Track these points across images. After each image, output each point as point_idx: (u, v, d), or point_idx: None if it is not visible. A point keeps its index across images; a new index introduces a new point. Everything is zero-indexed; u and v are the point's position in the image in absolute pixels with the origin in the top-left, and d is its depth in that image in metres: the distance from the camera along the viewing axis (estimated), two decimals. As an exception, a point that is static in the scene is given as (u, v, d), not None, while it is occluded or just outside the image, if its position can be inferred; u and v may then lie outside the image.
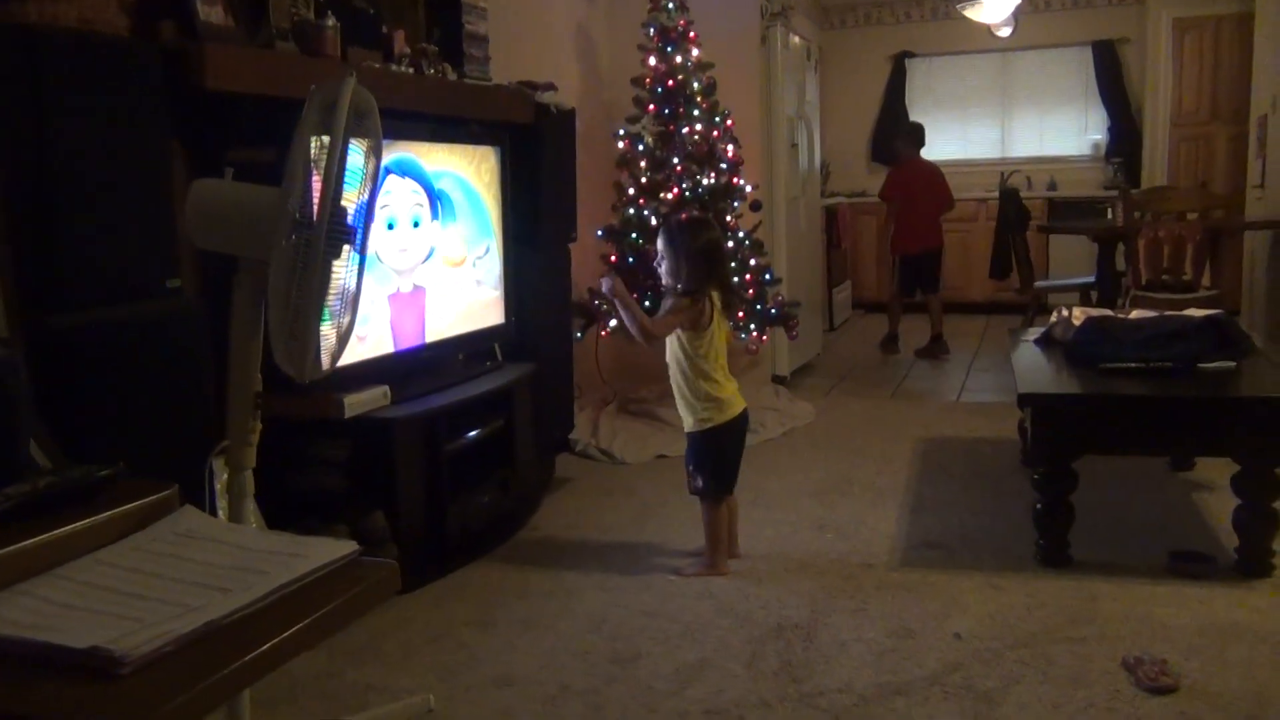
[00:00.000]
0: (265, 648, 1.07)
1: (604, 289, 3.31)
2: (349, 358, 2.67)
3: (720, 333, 3.19)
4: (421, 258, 3.29)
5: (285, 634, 1.09)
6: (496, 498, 3.46)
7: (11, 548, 1.20)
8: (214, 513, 2.29)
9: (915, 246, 6.98)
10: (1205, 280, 5.68)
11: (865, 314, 8.91)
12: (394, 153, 3.08)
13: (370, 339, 3.05)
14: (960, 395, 5.75)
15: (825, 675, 2.54)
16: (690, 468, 3.23)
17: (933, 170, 7.14)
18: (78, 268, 2.16)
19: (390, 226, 3.11)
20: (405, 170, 3.17)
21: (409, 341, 3.25)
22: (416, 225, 3.25)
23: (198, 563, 1.23)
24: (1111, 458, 3.82)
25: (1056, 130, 9.24)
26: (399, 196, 3.15)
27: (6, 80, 2.09)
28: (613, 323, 4.76)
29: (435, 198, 3.33)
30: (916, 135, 7.20)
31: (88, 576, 1.18)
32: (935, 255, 7.07)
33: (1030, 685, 2.46)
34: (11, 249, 1.73)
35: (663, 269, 3.20)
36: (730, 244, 4.81)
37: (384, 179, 3.02)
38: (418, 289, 3.27)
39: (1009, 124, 9.38)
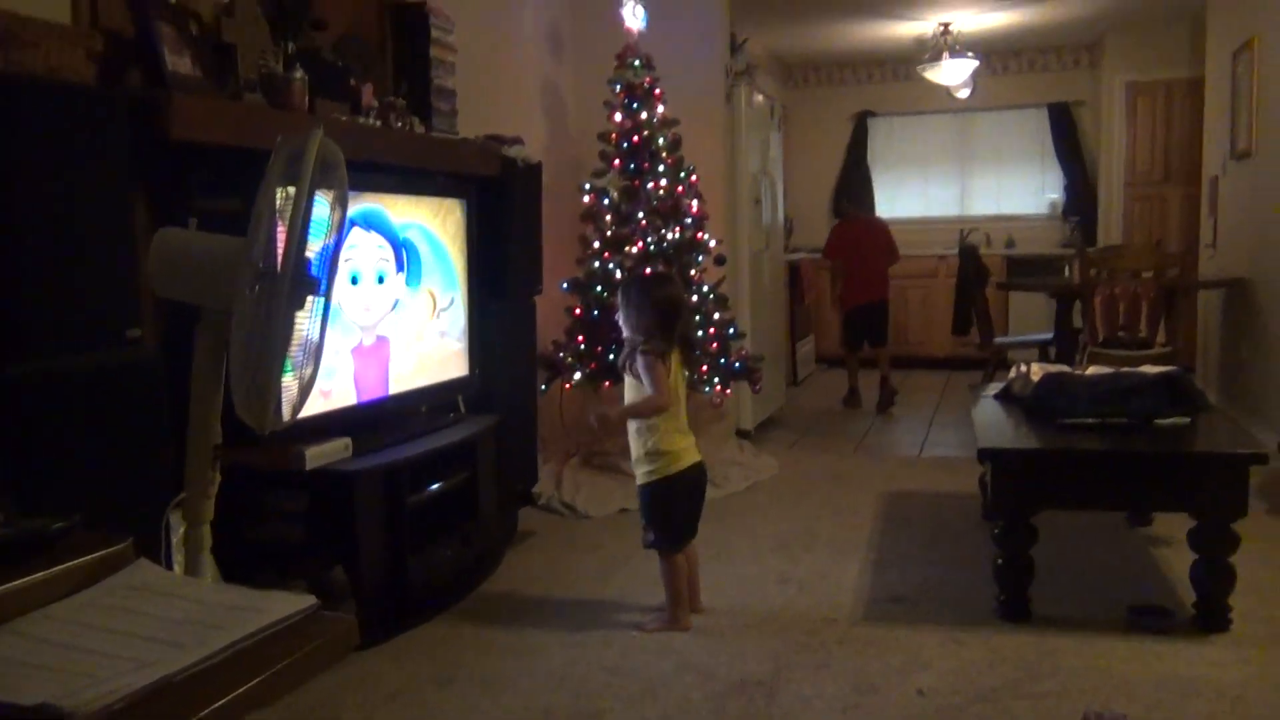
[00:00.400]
0: (219, 704, 1.04)
1: (595, 424, 3.32)
2: (311, 409, 2.66)
3: (679, 386, 3.20)
4: (385, 312, 3.29)
5: (240, 690, 1.07)
6: (458, 551, 3.43)
7: (-40, 602, 1.17)
8: (170, 566, 2.25)
9: (860, 299, 7.11)
10: (1160, 337, 5.79)
11: (828, 368, 8.96)
12: (361, 205, 3.09)
13: (333, 391, 3.03)
14: (922, 450, 5.79)
15: (788, 732, 2.52)
16: (643, 521, 3.22)
17: (876, 225, 7.33)
18: (36, 316, 2.14)
19: (354, 281, 3.11)
20: (371, 224, 3.18)
21: (372, 393, 3.23)
22: (381, 281, 3.25)
23: (152, 617, 1.20)
24: (1071, 513, 3.85)
25: (1014, 189, 9.44)
26: (364, 251, 3.15)
27: (-32, 127, 2.08)
28: (577, 376, 4.77)
29: (401, 250, 3.33)
30: (860, 195, 7.39)
31: (38, 631, 1.16)
32: (881, 308, 7.19)
33: (993, 741, 2.45)
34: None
35: (621, 320, 3.22)
36: (694, 298, 4.84)
37: (349, 232, 3.03)
38: (381, 340, 3.27)
39: (968, 182, 9.56)
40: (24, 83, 2.13)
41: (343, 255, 2.97)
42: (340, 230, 1.93)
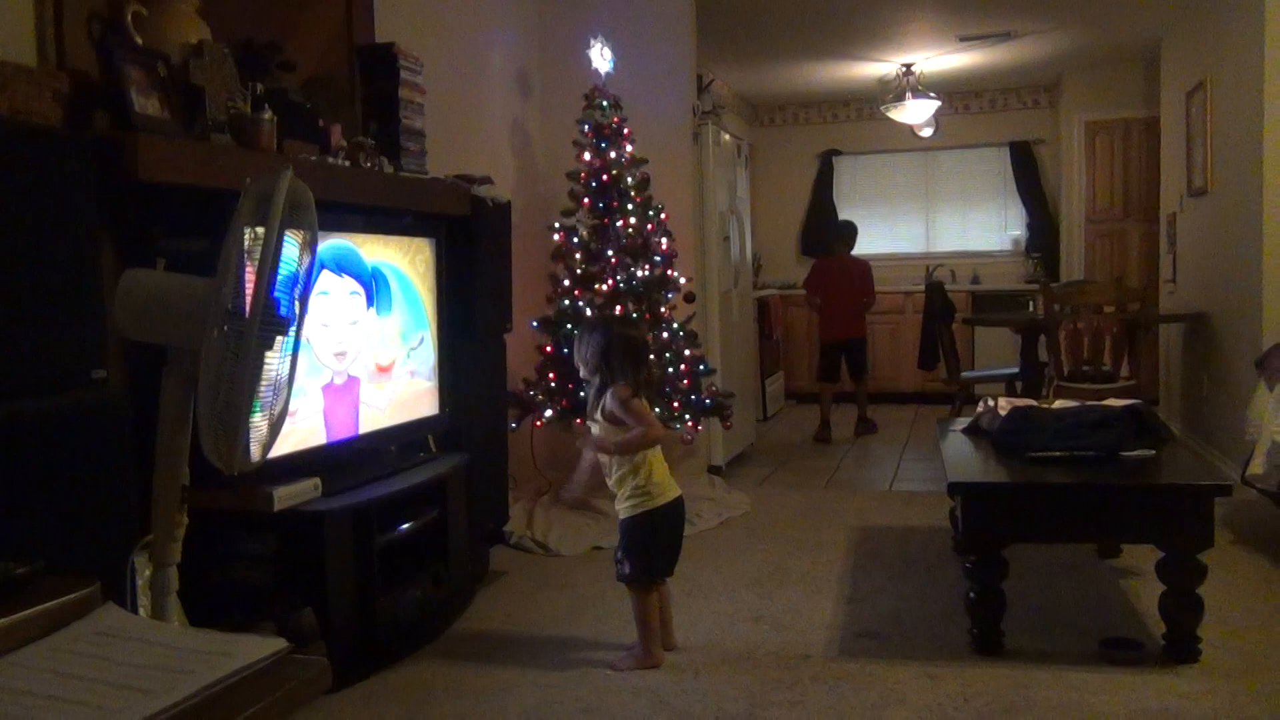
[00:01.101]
0: (188, 751, 1.03)
1: (591, 454, 3.31)
2: (279, 449, 2.63)
3: None
4: (357, 353, 3.27)
5: (209, 736, 1.05)
6: (429, 591, 3.40)
7: (-80, 650, 1.15)
8: (135, 609, 2.21)
9: (837, 334, 7.40)
10: (1124, 371, 5.87)
11: (798, 404, 9.01)
12: (333, 246, 3.08)
13: (303, 430, 3.01)
14: (892, 484, 5.82)
15: (764, 770, 2.50)
16: (619, 554, 3.21)
17: (856, 266, 7.50)
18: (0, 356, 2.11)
19: (325, 325, 3.09)
20: (343, 266, 3.17)
21: (342, 432, 3.21)
22: (354, 325, 3.24)
23: (119, 663, 1.18)
24: (1041, 546, 3.88)
25: (978, 226, 9.57)
26: (336, 295, 3.15)
27: (-68, 169, 2.06)
28: (548, 413, 4.76)
29: (371, 283, 3.32)
30: (845, 233, 7.62)
31: (3, 678, 1.13)
32: (857, 345, 7.46)
33: (968, 776, 2.45)
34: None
35: (577, 359, 3.24)
36: (665, 335, 4.86)
37: (319, 274, 3.02)
38: (351, 379, 3.25)
39: (933, 219, 9.69)
40: (-11, 124, 2.12)
41: (313, 298, 2.99)
42: (309, 270, 1.92)
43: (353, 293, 3.23)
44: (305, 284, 1.91)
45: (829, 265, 7.55)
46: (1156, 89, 7.53)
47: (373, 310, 3.34)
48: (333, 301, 3.14)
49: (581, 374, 3.31)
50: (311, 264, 1.93)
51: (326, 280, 3.08)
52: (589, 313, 4.70)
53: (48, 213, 2.23)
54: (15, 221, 2.15)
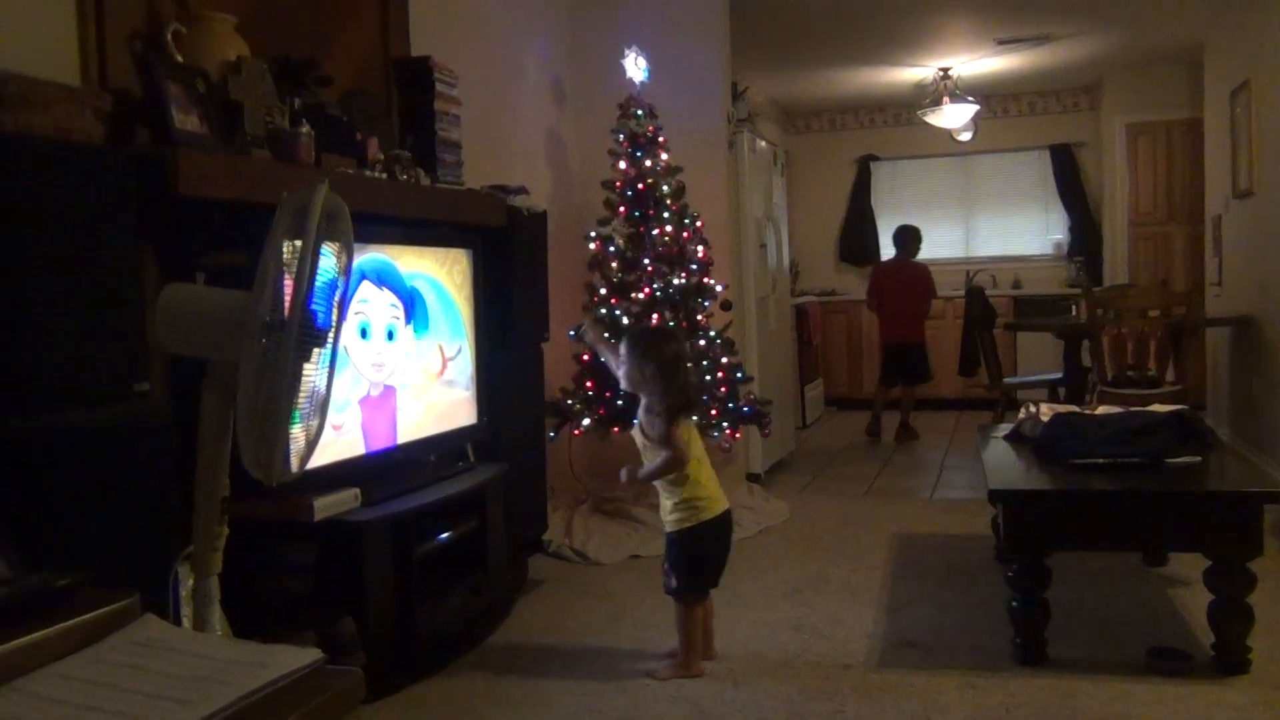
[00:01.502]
0: (225, 762, 1.04)
1: (625, 480, 3.29)
2: (319, 460, 2.66)
3: (695, 435, 3.19)
4: (395, 365, 3.30)
5: (246, 747, 1.06)
6: (468, 601, 3.41)
7: (-36, 660, 1.17)
8: (178, 620, 2.24)
9: (893, 338, 7.43)
10: (1169, 375, 5.77)
11: (837, 411, 8.95)
12: (370, 258, 3.11)
13: (342, 442, 3.03)
14: (934, 492, 5.76)
15: (804, 781, 2.48)
16: (666, 566, 3.20)
17: (915, 270, 7.49)
18: (43, 371, 2.15)
19: (364, 335, 3.12)
20: (382, 279, 3.20)
21: (381, 443, 3.23)
22: (391, 338, 3.26)
23: (157, 673, 1.19)
24: (1086, 554, 3.82)
25: (1019, 230, 9.48)
26: (375, 306, 3.18)
27: (-21, 187, 2.10)
28: (585, 422, 4.76)
29: (409, 300, 3.35)
30: (903, 237, 7.60)
31: (43, 689, 1.15)
32: (913, 349, 7.41)
33: (1012, 788, 2.41)
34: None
35: (620, 374, 3.23)
36: (701, 343, 4.85)
37: (358, 286, 3.06)
38: (388, 389, 3.27)
39: (972, 224, 9.61)
40: (35, 143, 2.16)
41: (354, 308, 3.02)
42: (346, 282, 1.94)
43: (391, 305, 3.26)
44: (342, 295, 1.93)
45: (888, 269, 7.62)
46: (1199, 89, 7.42)
47: (410, 327, 3.36)
48: (372, 312, 3.16)
49: (622, 386, 3.30)
50: (348, 276, 1.94)
51: (366, 290, 3.11)
52: (625, 321, 4.70)
53: (91, 228, 2.27)
54: (60, 237, 2.19)
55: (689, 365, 3.35)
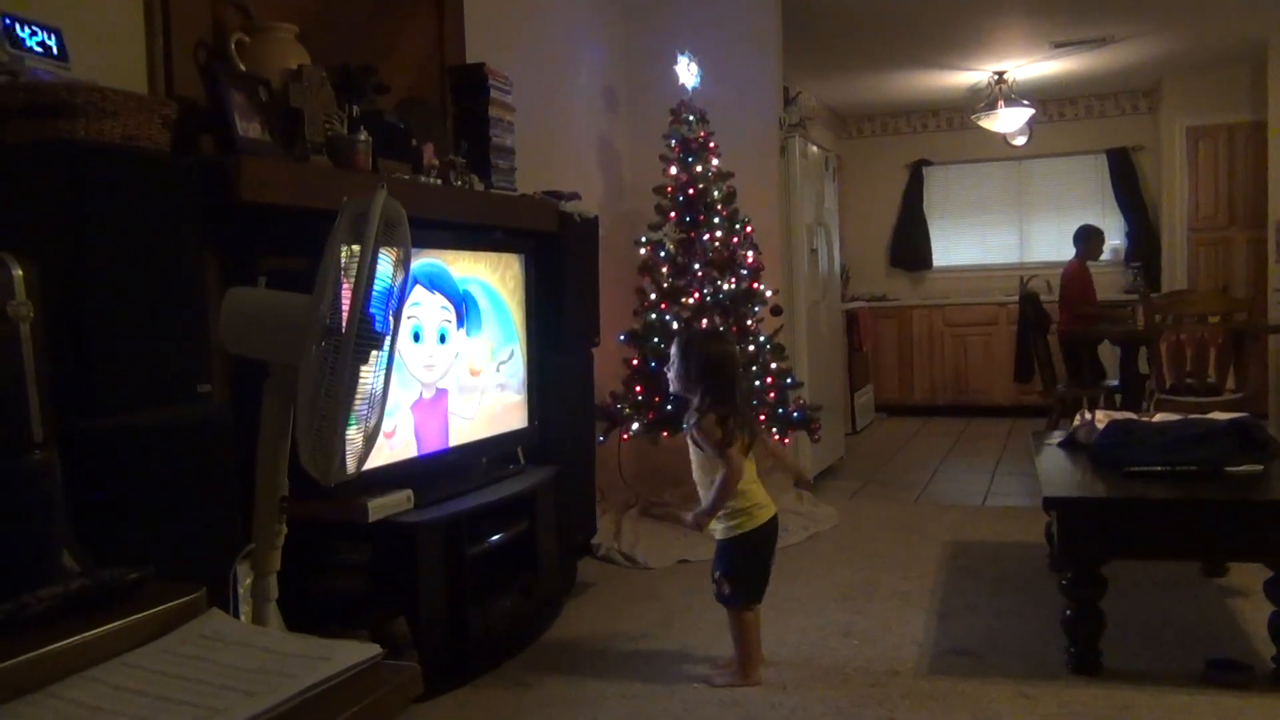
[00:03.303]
0: (288, 752, 1.07)
1: (692, 524, 3.26)
2: (374, 461, 2.70)
3: (743, 443, 3.19)
4: (447, 367, 3.35)
5: (308, 738, 1.09)
6: (518, 602, 3.44)
7: (41, 650, 1.21)
8: (237, 616, 2.29)
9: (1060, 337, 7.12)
10: (1230, 383, 5.67)
11: (888, 417, 8.89)
12: (423, 262, 3.16)
13: (396, 445, 3.08)
14: (986, 499, 5.70)
15: (853, 787, 2.48)
16: (717, 574, 3.19)
17: (1066, 270, 7.26)
18: (112, 373, 2.21)
19: (416, 338, 3.17)
20: (435, 283, 3.24)
21: (433, 446, 3.28)
22: (443, 340, 3.31)
23: (223, 665, 1.23)
24: (1143, 563, 3.76)
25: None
26: (428, 309, 3.22)
27: (52, 192, 2.17)
28: (635, 426, 4.78)
29: (462, 304, 3.39)
30: (1076, 236, 7.39)
31: (115, 679, 1.19)
32: (1065, 344, 7.06)
33: (1065, 799, 2.39)
34: (49, 355, 1.78)
35: (671, 374, 3.24)
36: (751, 348, 4.85)
37: (412, 289, 3.10)
38: (440, 393, 3.31)
39: (1027, 229, 9.50)
40: (100, 150, 2.22)
41: (406, 312, 3.06)
42: (403, 286, 1.97)
43: (443, 307, 3.30)
44: (399, 300, 1.96)
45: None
46: (1263, 92, 7.28)
47: (462, 331, 3.40)
48: (424, 315, 3.21)
49: (673, 389, 3.31)
50: (405, 280, 1.98)
51: (418, 294, 3.16)
52: (675, 326, 4.72)
53: (157, 233, 2.33)
54: (128, 242, 2.25)
55: (739, 371, 3.34)
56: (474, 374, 3.47)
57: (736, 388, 3.21)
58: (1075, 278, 7.14)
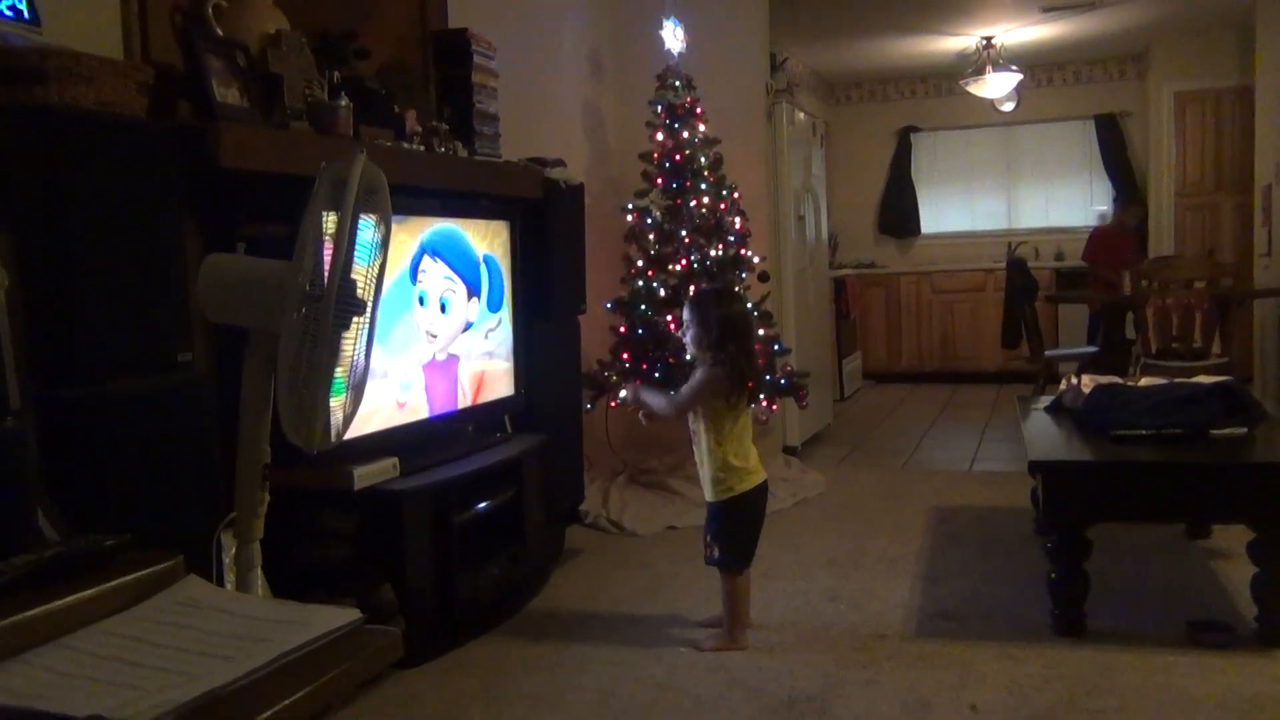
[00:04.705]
0: (266, 716, 1.06)
1: (628, 398, 3.37)
2: (360, 429, 2.70)
3: (742, 405, 3.17)
4: (455, 333, 3.42)
5: (286, 701, 1.08)
6: (506, 570, 3.44)
7: (16, 618, 1.20)
8: (222, 585, 2.28)
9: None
10: (1215, 348, 5.68)
11: (875, 384, 8.90)
12: (439, 230, 3.26)
13: (408, 404, 3.16)
14: (972, 465, 5.72)
15: (839, 749, 2.50)
16: (708, 538, 3.20)
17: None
18: (90, 341, 2.19)
19: (422, 302, 3.23)
20: (437, 252, 3.28)
21: (443, 408, 3.35)
22: (445, 309, 3.32)
23: (200, 631, 1.22)
24: (1127, 526, 3.79)
25: (1062, 201, 9.34)
26: (431, 278, 3.27)
27: (26, 159, 2.14)
28: (622, 394, 4.77)
29: (468, 275, 3.47)
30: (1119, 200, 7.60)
31: (90, 646, 1.18)
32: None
33: (1048, 758, 2.41)
34: (25, 322, 1.76)
35: (687, 337, 3.21)
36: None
37: (421, 258, 3.19)
38: (451, 358, 3.41)
39: (1014, 195, 9.48)
40: (75, 116, 2.19)
41: (420, 273, 3.11)
42: (384, 254, 1.95)
43: (446, 278, 3.32)
44: (380, 266, 1.94)
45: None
46: (1250, 56, 7.25)
47: (474, 301, 3.48)
48: (429, 283, 3.26)
49: (690, 352, 3.28)
50: (385, 247, 1.96)
51: (425, 263, 3.21)
52: (662, 294, 4.70)
53: (135, 201, 2.30)
54: (105, 210, 2.22)
55: (754, 328, 3.34)
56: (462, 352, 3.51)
57: (750, 346, 3.19)
58: (1099, 243, 7.27)
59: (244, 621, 1.25)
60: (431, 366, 3.29)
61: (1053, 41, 8.17)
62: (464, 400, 3.47)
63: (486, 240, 3.56)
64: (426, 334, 3.26)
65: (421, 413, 3.24)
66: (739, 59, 5.68)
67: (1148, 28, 7.92)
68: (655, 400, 3.27)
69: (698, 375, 3.12)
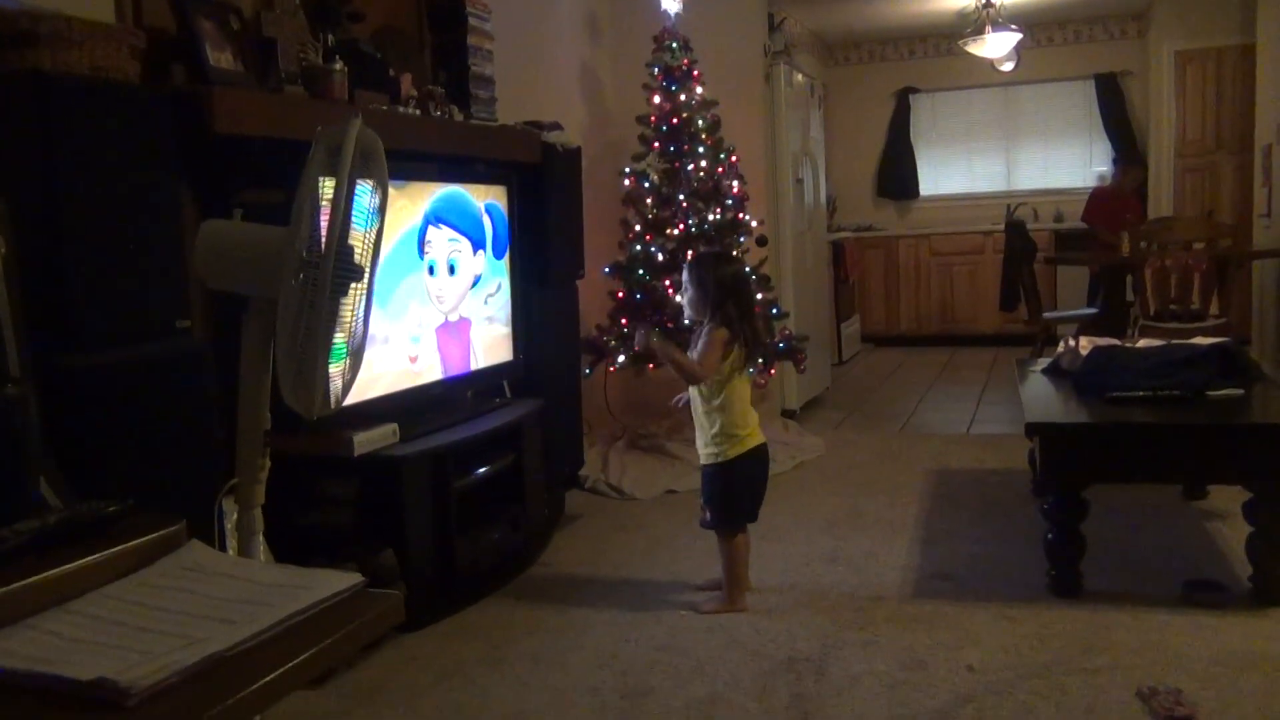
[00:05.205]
0: (269, 678, 1.07)
1: (639, 344, 3.35)
2: (360, 395, 2.71)
3: (740, 367, 3.17)
4: (463, 294, 3.47)
5: (289, 665, 1.09)
6: (506, 534, 3.46)
7: (19, 583, 1.21)
8: (224, 550, 2.29)
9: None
10: (1214, 309, 5.68)
11: (874, 348, 8.91)
12: (436, 198, 3.26)
13: (421, 365, 3.23)
14: (970, 427, 5.74)
15: (836, 709, 2.52)
16: (702, 501, 3.22)
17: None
18: (89, 308, 2.19)
19: (432, 272, 3.27)
20: (440, 219, 3.28)
21: (456, 369, 3.41)
22: (453, 271, 3.35)
23: (203, 596, 1.23)
24: (1123, 487, 3.81)
25: (1061, 162, 9.29)
26: (437, 246, 3.29)
27: (19, 125, 2.12)
28: (621, 358, 4.78)
29: (480, 226, 3.53)
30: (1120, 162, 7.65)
31: (94, 610, 1.19)
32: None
33: (1044, 717, 2.44)
34: (23, 290, 1.75)
35: (685, 300, 3.20)
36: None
37: (427, 224, 3.21)
38: (463, 320, 3.46)
39: (1013, 157, 9.43)
40: (68, 81, 2.17)
41: (427, 245, 3.14)
42: (381, 219, 1.94)
43: (450, 240, 3.34)
44: (377, 233, 1.94)
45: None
46: (1251, 15, 7.19)
47: (481, 254, 3.52)
48: (435, 250, 3.28)
49: (688, 316, 3.27)
50: (383, 213, 1.95)
51: (430, 231, 3.24)
52: (660, 258, 4.69)
53: (129, 166, 2.29)
54: (99, 176, 2.21)
55: (753, 290, 3.30)
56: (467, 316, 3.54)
57: (751, 309, 3.18)
58: (1098, 204, 7.24)
59: (247, 586, 1.26)
60: (444, 329, 3.33)
61: (1053, 0, 8.10)
62: (475, 363, 3.52)
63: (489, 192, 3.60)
64: (435, 298, 3.29)
65: (436, 373, 3.31)
66: (736, 20, 5.64)
67: (1149, -14, 7.85)
68: (681, 357, 3.12)
69: (704, 337, 3.11)
